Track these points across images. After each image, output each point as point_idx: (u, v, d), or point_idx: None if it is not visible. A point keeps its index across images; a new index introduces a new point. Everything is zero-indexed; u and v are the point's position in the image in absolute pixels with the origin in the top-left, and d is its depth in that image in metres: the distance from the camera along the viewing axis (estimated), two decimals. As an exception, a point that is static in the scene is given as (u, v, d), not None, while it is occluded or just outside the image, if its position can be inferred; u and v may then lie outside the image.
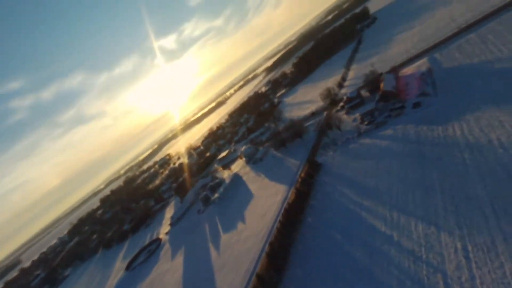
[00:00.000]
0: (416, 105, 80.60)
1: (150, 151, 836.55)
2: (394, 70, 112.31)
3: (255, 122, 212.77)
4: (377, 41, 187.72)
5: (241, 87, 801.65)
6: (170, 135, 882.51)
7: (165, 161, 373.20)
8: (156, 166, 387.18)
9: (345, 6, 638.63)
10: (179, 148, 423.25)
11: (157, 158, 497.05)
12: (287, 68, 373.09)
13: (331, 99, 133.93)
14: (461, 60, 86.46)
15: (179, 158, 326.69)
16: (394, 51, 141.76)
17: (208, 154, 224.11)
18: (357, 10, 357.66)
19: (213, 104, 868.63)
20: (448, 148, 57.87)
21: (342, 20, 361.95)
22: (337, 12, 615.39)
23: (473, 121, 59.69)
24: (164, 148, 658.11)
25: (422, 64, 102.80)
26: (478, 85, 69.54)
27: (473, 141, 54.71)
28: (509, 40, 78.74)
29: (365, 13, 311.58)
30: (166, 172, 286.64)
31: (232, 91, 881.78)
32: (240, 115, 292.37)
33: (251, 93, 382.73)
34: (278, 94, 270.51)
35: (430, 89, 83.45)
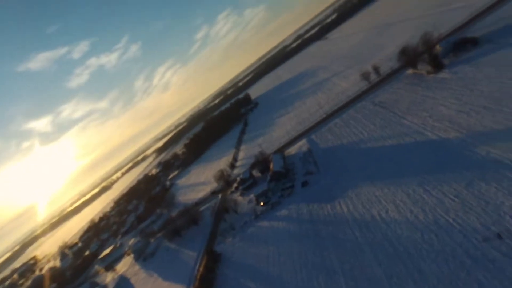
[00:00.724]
0: (304, 183, 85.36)
1: (9, 254, 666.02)
2: (280, 151, 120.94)
3: (145, 209, 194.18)
4: (261, 124, 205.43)
5: (129, 169, 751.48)
6: (39, 231, 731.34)
7: (28, 268, 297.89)
8: (15, 275, 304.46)
9: (229, 92, 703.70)
10: (49, 248, 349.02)
11: (17, 263, 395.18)
12: (179, 148, 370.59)
13: (225, 180, 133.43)
14: (334, 141, 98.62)
15: (48, 262, 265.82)
16: (277, 133, 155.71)
17: (87, 252, 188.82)
18: (240, 96, 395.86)
19: (96, 190, 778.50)
20: (340, 226, 60.28)
21: (228, 104, 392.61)
22: (223, 97, 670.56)
23: (355, 197, 64.97)
24: (30, 249, 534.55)
25: (303, 145, 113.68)
26: (352, 163, 78.53)
27: (359, 218, 58.39)
28: (365, 124, 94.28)
29: (247, 99, 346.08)
30: (28, 283, 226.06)
31: (119, 174, 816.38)
32: (128, 202, 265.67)
33: (141, 176, 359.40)
34: (170, 176, 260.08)
35: (314, 167, 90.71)
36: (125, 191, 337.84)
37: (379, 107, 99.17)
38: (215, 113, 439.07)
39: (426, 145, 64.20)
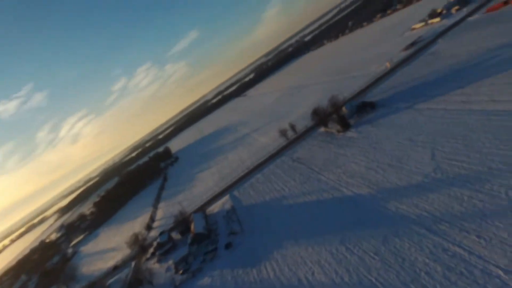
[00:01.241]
0: (228, 245, 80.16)
1: None
2: (202, 209, 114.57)
3: (37, 286, 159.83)
4: (181, 179, 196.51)
5: (21, 235, 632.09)
6: None
7: None
8: None
9: (148, 145, 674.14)
10: None
11: None
12: (87, 208, 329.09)
13: (140, 245, 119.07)
14: (256, 198, 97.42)
15: None
16: (199, 189, 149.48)
17: None
18: (160, 149, 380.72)
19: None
20: (267, 293, 56.18)
21: (147, 158, 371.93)
22: (141, 150, 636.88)
23: (281, 259, 62.42)
24: None
25: (225, 202, 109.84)
26: (276, 221, 77.18)
27: (286, 283, 55.42)
28: (286, 180, 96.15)
29: (167, 152, 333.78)
30: None
31: (6, 242, 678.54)
32: (16, 277, 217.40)
33: (36, 243, 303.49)
34: (74, 242, 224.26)
35: (237, 227, 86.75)
36: (13, 263, 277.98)
37: (298, 162, 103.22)
38: (132, 167, 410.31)
39: (343, 201, 66.87)
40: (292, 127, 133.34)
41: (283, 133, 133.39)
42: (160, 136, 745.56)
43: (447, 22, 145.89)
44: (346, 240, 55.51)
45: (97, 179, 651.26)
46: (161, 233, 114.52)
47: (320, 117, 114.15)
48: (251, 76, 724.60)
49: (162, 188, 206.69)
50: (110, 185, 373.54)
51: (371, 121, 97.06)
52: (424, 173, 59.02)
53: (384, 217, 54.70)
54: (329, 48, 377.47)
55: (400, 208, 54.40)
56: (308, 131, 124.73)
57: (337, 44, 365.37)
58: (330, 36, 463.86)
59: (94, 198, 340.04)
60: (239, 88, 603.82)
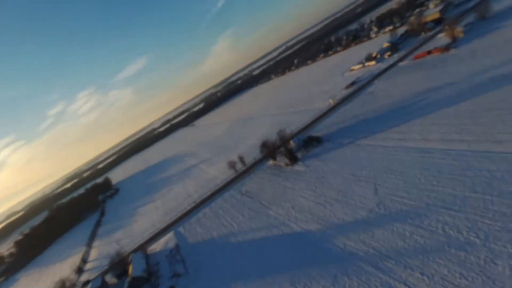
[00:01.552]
0: (171, 289, 73.45)
1: None
2: (142, 248, 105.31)
3: None
4: (121, 214, 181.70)
5: None
6: None
7: None
8: None
9: (86, 175, 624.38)
10: None
11: None
12: (6, 248, 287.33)
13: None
14: (203, 235, 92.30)
15: None
16: (140, 224, 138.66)
17: None
18: (99, 180, 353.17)
19: None
20: None
21: (83, 190, 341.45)
22: (77, 180, 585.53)
23: (228, 304, 58.20)
24: None
25: (169, 240, 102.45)
26: (223, 260, 72.98)
27: (234, 331, 51.21)
28: (234, 215, 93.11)
29: (107, 183, 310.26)
30: None
31: None
32: None
33: None
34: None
35: (182, 268, 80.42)
36: None
37: (246, 196, 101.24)
38: (65, 199, 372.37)
39: (293, 237, 65.70)
40: (241, 159, 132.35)
41: (231, 165, 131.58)
42: (100, 166, 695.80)
43: (381, 65, 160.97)
44: (296, 281, 53.63)
45: (21, 213, 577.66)
46: (89, 281, 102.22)
47: (269, 150, 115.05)
48: (201, 106, 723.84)
49: (98, 224, 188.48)
50: (37, 220, 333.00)
51: (317, 155, 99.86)
52: (369, 208, 60.70)
53: (333, 255, 54.30)
54: (276, 83, 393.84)
55: (348, 244, 54.57)
56: (256, 164, 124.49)
57: (284, 79, 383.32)
58: (277, 71, 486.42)
59: (16, 236, 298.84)
60: (188, 117, 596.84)
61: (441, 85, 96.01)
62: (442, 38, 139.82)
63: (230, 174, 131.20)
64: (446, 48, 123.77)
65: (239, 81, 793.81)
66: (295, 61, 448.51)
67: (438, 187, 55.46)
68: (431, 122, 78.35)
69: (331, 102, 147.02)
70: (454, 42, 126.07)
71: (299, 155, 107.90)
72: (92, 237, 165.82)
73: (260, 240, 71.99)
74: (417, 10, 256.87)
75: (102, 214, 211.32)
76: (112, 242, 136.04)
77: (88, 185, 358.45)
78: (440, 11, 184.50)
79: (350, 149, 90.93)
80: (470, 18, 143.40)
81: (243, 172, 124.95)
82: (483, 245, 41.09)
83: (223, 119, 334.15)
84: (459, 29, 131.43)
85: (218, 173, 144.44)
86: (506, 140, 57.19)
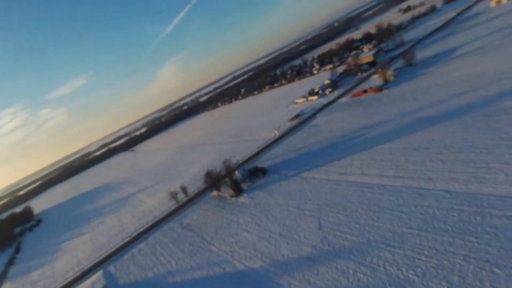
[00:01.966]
0: None
1: None
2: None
3: None
4: (41, 250, 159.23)
5: None
6: None
7: None
8: None
9: (2, 202, 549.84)
10: None
11: None
12: None
13: None
14: (137, 274, 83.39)
15: None
16: (63, 263, 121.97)
17: None
18: (18, 209, 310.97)
19: None
20: None
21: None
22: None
23: None
24: None
25: (96, 281, 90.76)
26: (158, 305, 65.74)
27: None
28: (173, 251, 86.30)
29: (27, 213, 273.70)
30: None
31: None
32: None
33: None
34: None
35: (109, 315, 70.76)
36: None
37: (187, 230, 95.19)
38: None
39: (235, 277, 61.79)
40: (184, 189, 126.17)
41: (173, 195, 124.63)
42: (22, 192, 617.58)
43: (323, 100, 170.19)
44: (238, 327, 49.54)
45: None
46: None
47: (213, 180, 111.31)
48: (143, 130, 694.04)
49: (11, 262, 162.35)
50: None
51: (262, 187, 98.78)
52: (313, 244, 59.93)
53: (278, 296, 51.66)
54: (223, 111, 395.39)
55: (293, 284, 52.47)
56: (200, 194, 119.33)
57: (231, 107, 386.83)
58: (224, 100, 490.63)
59: None
60: (129, 141, 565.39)
61: (377, 123, 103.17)
62: (376, 79, 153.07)
63: (171, 205, 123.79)
64: (380, 88, 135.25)
65: (185, 107, 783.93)
66: (242, 90, 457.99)
67: (378, 222, 56.93)
68: (369, 158, 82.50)
69: (277, 133, 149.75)
70: (386, 84, 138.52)
71: (244, 186, 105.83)
72: (1, 279, 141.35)
73: (201, 281, 66.62)
74: (354, 52, 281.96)
75: (17, 250, 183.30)
76: (26, 284, 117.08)
77: (3, 215, 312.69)
78: (373, 55, 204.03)
79: (295, 181, 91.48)
80: (399, 63, 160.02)
81: (185, 203, 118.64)
82: (421, 283, 41.90)
83: (166, 145, 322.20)
84: (390, 73, 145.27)
85: (158, 203, 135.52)
86: (435, 177, 61.62)
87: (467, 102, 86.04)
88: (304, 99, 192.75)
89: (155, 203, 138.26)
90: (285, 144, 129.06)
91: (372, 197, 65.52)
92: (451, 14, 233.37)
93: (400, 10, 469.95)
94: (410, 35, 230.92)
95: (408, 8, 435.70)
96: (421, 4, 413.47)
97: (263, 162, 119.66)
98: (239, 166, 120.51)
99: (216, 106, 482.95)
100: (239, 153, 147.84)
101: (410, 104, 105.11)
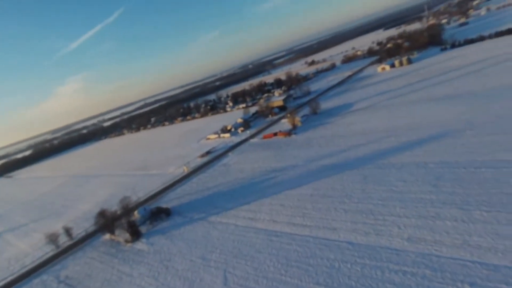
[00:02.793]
0: None
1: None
2: None
3: None
4: None
5: None
6: None
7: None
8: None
9: None
10: None
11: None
12: None
13: None
14: None
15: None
16: None
17: None
18: None
19: None
20: None
21: None
22: None
23: None
24: None
25: None
26: None
27: None
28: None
29: None
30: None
31: None
32: None
33: None
34: None
35: None
36: None
37: (65, 284, 78.01)
38: None
39: None
40: (67, 230, 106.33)
41: (52, 238, 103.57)
42: None
43: (235, 139, 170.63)
44: None
45: None
46: None
47: (107, 220, 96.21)
48: (27, 153, 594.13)
49: None
50: None
51: (164, 231, 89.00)
52: (217, 303, 53.68)
53: None
54: (129, 139, 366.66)
55: None
56: (88, 238, 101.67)
57: (138, 136, 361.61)
58: (131, 127, 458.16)
59: None
60: (5, 165, 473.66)
61: (286, 166, 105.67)
62: (285, 123, 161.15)
63: (48, 250, 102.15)
64: (289, 133, 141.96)
65: (85, 130, 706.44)
66: (152, 119, 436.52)
67: (286, 277, 54.33)
68: (279, 203, 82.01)
69: (186, 169, 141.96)
70: (295, 128, 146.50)
71: (143, 229, 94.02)
72: None
73: None
74: (265, 94, 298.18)
75: None
76: None
77: None
78: (283, 100, 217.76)
79: (201, 225, 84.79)
80: (306, 110, 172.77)
81: (67, 248, 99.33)
82: None
83: (55, 173, 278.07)
84: (298, 119, 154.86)
85: (31, 248, 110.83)
86: (339, 227, 63.24)
87: (364, 154, 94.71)
88: (216, 136, 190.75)
89: (27, 248, 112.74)
90: (194, 182, 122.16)
91: (281, 247, 63.46)
92: (347, 73, 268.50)
93: (306, 63, 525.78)
94: (315, 86, 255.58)
95: (313, 62, 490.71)
96: (324, 60, 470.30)
97: (168, 201, 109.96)
98: (139, 205, 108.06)
99: (122, 133, 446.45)
100: (141, 189, 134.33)
101: (316, 150, 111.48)
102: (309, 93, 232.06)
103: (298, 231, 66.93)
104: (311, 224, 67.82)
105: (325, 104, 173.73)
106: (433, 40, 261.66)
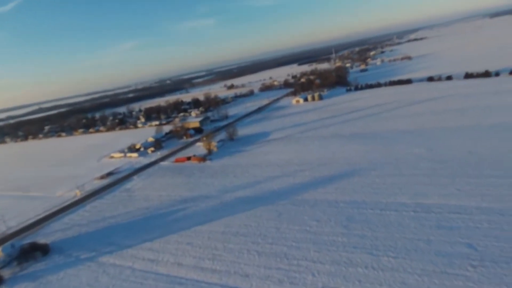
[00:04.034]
0: None
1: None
2: None
3: None
4: None
5: None
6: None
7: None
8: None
9: None
10: None
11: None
12: None
13: None
14: None
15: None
16: None
17: None
18: None
19: None
20: None
21: None
22: None
23: None
24: None
25: None
26: None
27: None
28: None
29: None
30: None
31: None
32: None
33: None
34: None
35: None
36: None
37: None
38: None
39: None
40: None
41: None
42: None
43: (143, 160, 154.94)
44: None
45: None
46: None
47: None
48: None
49: None
50: None
51: (36, 276, 70.57)
52: None
53: None
54: (12, 150, 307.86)
55: None
56: None
57: (24, 147, 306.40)
58: (17, 135, 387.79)
59: None
60: None
61: (198, 197, 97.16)
62: (200, 147, 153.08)
63: None
64: (203, 158, 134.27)
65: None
66: (46, 128, 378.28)
67: None
68: (186, 241, 72.73)
69: (78, 193, 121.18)
70: (210, 154, 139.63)
71: (6, 273, 73.36)
72: None
73: None
74: (182, 114, 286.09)
75: None
76: None
77: None
78: (200, 122, 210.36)
79: (88, 269, 69.58)
80: (222, 135, 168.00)
81: None
82: None
83: None
84: (214, 143, 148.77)
85: None
86: (252, 273, 57.45)
87: (279, 187, 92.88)
88: (121, 155, 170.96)
89: None
90: (87, 211, 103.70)
91: (183, 299, 54.36)
92: (265, 101, 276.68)
93: (225, 86, 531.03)
94: (233, 110, 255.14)
95: (232, 86, 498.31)
96: (243, 85, 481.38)
97: (49, 234, 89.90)
98: (6, 239, 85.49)
99: (4, 142, 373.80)
100: (15, 216, 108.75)
101: (231, 180, 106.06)
102: (227, 117, 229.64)
103: (206, 278, 58.79)
104: (221, 269, 60.50)
105: (243, 131, 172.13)
106: (340, 80, 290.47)
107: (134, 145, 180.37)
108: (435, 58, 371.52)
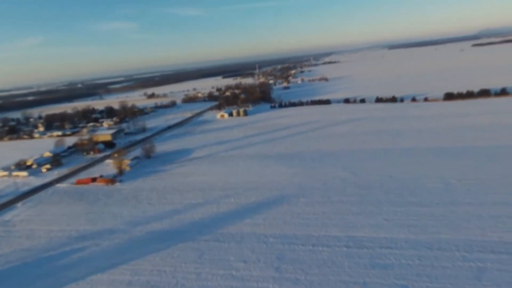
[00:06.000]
0: None
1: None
2: None
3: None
4: None
5: None
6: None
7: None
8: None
9: None
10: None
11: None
12: None
13: None
14: None
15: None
16: None
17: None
18: None
19: None
20: None
21: None
22: None
23: None
24: None
25: None
26: None
27: None
28: None
29: None
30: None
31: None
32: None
33: None
34: None
35: None
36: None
37: None
38: None
39: None
40: None
41: None
42: None
43: (35, 181, 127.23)
44: None
45: None
46: None
47: None
48: None
49: None
50: None
51: None
52: None
53: None
54: None
55: None
56: None
57: None
58: None
59: None
60: None
61: (101, 232, 79.65)
62: (110, 166, 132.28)
63: None
64: (112, 180, 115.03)
65: None
66: None
67: None
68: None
69: None
70: (121, 174, 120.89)
71: None
72: None
73: None
74: (91, 124, 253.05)
75: None
76: None
77: None
78: (112, 134, 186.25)
79: None
80: (137, 152, 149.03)
81: None
82: None
83: None
84: (126, 161, 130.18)
85: None
86: None
87: (201, 218, 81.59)
88: (5, 173, 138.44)
89: None
90: None
91: None
92: (188, 113, 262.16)
93: (145, 94, 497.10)
94: (152, 123, 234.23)
95: (153, 95, 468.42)
96: (165, 95, 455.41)
97: None
98: None
99: None
100: None
101: (144, 209, 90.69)
102: (144, 130, 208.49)
103: None
104: None
105: (161, 146, 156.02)
106: (264, 96, 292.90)
107: (24, 161, 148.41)
108: (348, 81, 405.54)
